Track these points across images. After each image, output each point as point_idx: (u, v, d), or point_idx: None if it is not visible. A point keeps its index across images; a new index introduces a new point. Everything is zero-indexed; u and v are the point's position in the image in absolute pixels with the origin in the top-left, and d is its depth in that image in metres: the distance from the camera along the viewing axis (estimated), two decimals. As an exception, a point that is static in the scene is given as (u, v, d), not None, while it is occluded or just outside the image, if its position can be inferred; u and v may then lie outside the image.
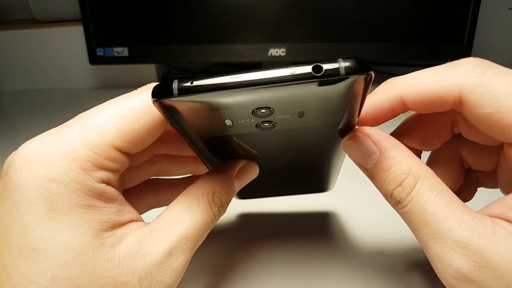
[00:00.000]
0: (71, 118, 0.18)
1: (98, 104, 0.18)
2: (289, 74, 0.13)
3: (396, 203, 0.17)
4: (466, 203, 0.22)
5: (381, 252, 0.25)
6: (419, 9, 0.51)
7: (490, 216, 0.16)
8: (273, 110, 0.15)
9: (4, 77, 0.69)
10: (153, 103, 0.15)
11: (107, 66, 0.65)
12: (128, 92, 0.18)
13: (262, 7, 0.52)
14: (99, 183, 0.16)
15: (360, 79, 0.14)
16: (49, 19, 0.67)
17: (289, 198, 0.29)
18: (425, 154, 0.22)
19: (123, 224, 0.17)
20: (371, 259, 0.25)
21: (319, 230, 0.28)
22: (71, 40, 0.65)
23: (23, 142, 0.17)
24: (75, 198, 0.15)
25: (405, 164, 0.17)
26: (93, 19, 0.55)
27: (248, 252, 0.26)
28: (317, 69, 0.13)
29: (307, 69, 0.13)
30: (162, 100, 0.14)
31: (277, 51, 0.53)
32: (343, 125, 0.17)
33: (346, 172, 0.27)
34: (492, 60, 0.17)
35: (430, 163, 0.22)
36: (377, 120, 0.19)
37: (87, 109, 0.18)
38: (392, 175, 0.17)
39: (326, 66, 0.13)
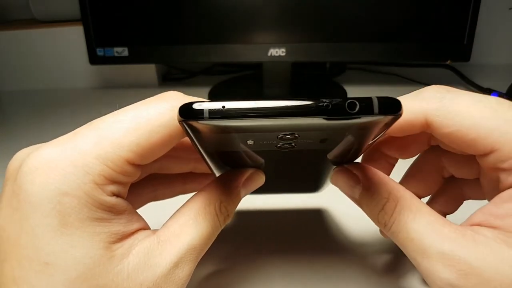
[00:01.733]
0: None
1: (116, 110, 0.17)
2: (324, 106, 0.13)
3: (383, 226, 0.18)
4: (451, 214, 0.23)
5: (379, 250, 0.25)
6: (419, 9, 0.51)
7: (474, 225, 0.17)
8: (298, 135, 0.15)
9: (4, 77, 0.69)
10: (179, 122, 0.14)
11: (107, 66, 0.65)
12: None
13: (262, 7, 0.52)
14: (110, 196, 0.16)
15: (389, 118, 0.14)
16: (49, 19, 0.67)
17: (285, 196, 0.29)
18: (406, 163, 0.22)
19: (131, 233, 0.17)
20: (369, 258, 0.25)
21: (316, 228, 0.28)
22: (71, 40, 0.65)
23: (23, 143, 0.16)
24: (87, 212, 0.15)
25: (385, 190, 0.18)
26: (93, 19, 0.55)
27: (244, 251, 0.26)
28: (351, 105, 0.13)
29: (342, 104, 0.13)
30: (190, 122, 0.14)
31: (277, 51, 0.53)
32: (353, 151, 0.18)
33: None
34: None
35: (410, 169, 0.24)
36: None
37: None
38: (375, 201, 0.18)
39: (360, 104, 0.13)
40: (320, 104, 0.13)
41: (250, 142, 0.16)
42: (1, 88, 0.70)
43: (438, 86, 0.18)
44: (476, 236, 0.16)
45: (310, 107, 0.13)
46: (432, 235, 0.16)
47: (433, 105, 0.18)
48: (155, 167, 0.23)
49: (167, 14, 0.53)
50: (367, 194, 0.19)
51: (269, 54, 0.53)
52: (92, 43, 0.56)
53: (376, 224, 0.19)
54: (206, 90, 0.62)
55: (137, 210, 0.22)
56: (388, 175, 0.23)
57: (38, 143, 0.17)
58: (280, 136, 0.15)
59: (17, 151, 0.17)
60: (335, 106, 0.13)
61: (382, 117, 0.14)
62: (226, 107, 0.13)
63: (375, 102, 0.13)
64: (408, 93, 0.19)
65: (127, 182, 0.17)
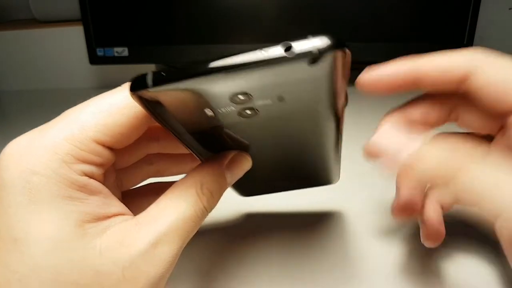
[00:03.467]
0: None
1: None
2: (261, 56, 0.13)
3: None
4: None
5: (381, 252, 0.25)
6: (419, 9, 0.51)
7: None
8: (251, 95, 0.15)
9: (4, 77, 0.69)
10: (132, 96, 0.15)
11: (107, 66, 0.65)
12: None
13: (261, 7, 0.52)
14: (81, 175, 0.16)
15: (335, 57, 0.13)
16: (49, 19, 0.67)
17: (290, 197, 0.29)
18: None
19: (108, 217, 0.17)
20: (372, 260, 0.25)
21: (319, 230, 0.28)
22: (71, 40, 0.65)
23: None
24: (56, 189, 0.16)
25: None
26: (93, 19, 0.55)
27: (246, 252, 0.26)
28: (288, 49, 0.13)
29: (279, 50, 0.13)
30: (139, 93, 0.14)
31: (277, 51, 0.53)
32: (328, 108, 0.17)
33: (347, 172, 0.28)
34: None
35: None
36: (387, 89, 0.21)
37: None
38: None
39: (296, 46, 0.13)
40: (256, 52, 0.13)
41: (209, 112, 0.16)
42: (1, 88, 0.70)
43: (485, 48, 0.19)
44: None
45: (248, 58, 0.13)
46: None
47: (478, 56, 0.19)
48: (152, 170, 0.23)
49: (167, 14, 0.53)
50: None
51: (269, 54, 0.53)
52: (92, 43, 0.56)
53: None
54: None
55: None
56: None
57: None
58: (231, 97, 0.15)
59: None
60: (270, 52, 0.13)
61: (325, 57, 0.13)
62: (167, 72, 0.14)
63: (313, 39, 0.13)
64: (408, 93, 0.19)
65: (100, 163, 0.17)
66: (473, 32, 0.51)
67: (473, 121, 0.21)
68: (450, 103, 0.22)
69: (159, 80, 0.14)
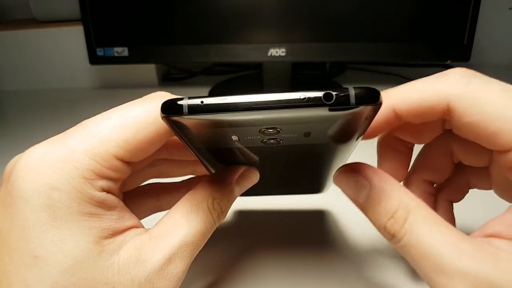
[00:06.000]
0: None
1: (103, 111, 0.18)
2: (300, 99, 0.13)
3: (391, 237, 0.17)
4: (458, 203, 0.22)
5: (378, 251, 0.25)
6: (419, 9, 0.51)
7: (489, 236, 0.16)
8: (280, 130, 0.15)
9: (4, 77, 0.69)
10: (162, 118, 0.15)
11: (107, 66, 0.65)
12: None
13: (262, 7, 0.52)
14: (100, 191, 0.16)
15: (369, 108, 0.14)
16: (49, 19, 0.67)
17: (285, 196, 0.29)
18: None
19: (124, 230, 0.17)
20: (367, 259, 0.25)
21: (315, 229, 0.28)
22: (71, 40, 0.65)
23: (23, 143, 0.17)
24: (76, 206, 0.15)
25: (396, 197, 0.17)
26: (93, 19, 0.55)
27: (243, 252, 0.26)
28: (327, 97, 0.13)
29: (318, 95, 0.13)
30: (171, 117, 0.14)
31: (277, 51, 0.53)
32: (349, 143, 0.18)
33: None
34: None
35: (420, 155, 0.23)
36: (373, 133, 0.20)
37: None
38: (383, 208, 0.17)
39: (336, 95, 0.13)
40: (296, 94, 0.13)
41: (234, 137, 0.16)
42: (1, 88, 0.70)
43: (464, 69, 0.17)
44: (496, 251, 0.15)
45: (288, 98, 0.13)
46: (451, 251, 0.15)
47: (457, 89, 0.16)
48: (154, 172, 0.23)
49: (167, 14, 0.53)
50: (375, 199, 0.17)
51: (269, 54, 0.53)
52: (92, 43, 0.56)
53: (381, 232, 0.17)
54: (206, 90, 0.62)
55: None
56: (409, 160, 0.22)
57: (38, 143, 0.17)
58: (262, 130, 0.15)
59: (17, 151, 0.17)
60: (310, 96, 0.13)
61: (360, 108, 0.14)
62: (204, 102, 0.14)
63: (352, 93, 0.13)
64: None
65: (117, 178, 0.17)
66: (473, 32, 0.51)
67: (466, 156, 0.20)
68: (446, 156, 0.21)
69: (196, 109, 0.14)
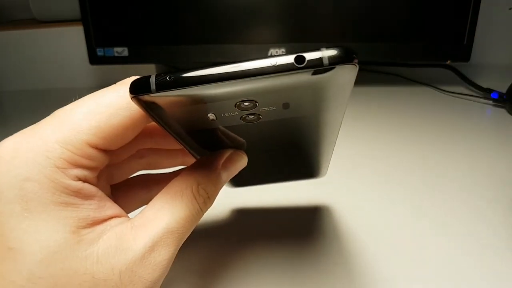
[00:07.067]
0: None
1: (74, 99, 0.17)
2: (271, 65, 0.13)
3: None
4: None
5: (373, 247, 0.25)
6: (419, 9, 0.51)
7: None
8: (257, 102, 0.15)
9: (4, 77, 0.69)
10: (132, 99, 0.14)
11: (107, 66, 0.65)
12: None
13: (262, 7, 0.52)
14: (75, 180, 0.16)
15: (346, 69, 0.13)
16: (49, 19, 0.67)
17: (281, 192, 0.29)
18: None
19: (104, 220, 0.17)
20: (364, 255, 0.25)
21: (313, 227, 0.28)
22: (71, 40, 0.65)
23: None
24: (50, 196, 0.15)
25: None
26: (93, 19, 0.55)
27: (240, 249, 0.26)
28: (299, 59, 0.12)
29: (289, 59, 0.12)
30: (141, 96, 0.14)
31: (277, 51, 0.53)
32: (330, 114, 0.17)
33: (339, 167, 0.27)
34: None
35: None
36: None
37: None
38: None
39: (308, 56, 0.12)
40: (267, 61, 0.13)
41: (211, 116, 0.16)
42: (1, 88, 0.70)
43: None
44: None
45: (258, 66, 0.13)
46: None
47: None
48: (142, 163, 0.23)
49: (167, 14, 0.53)
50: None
51: (269, 54, 0.53)
52: (92, 43, 0.56)
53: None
54: (206, 90, 0.62)
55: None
56: None
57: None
58: (237, 103, 0.15)
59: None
60: (281, 61, 0.12)
61: (335, 69, 0.13)
62: (172, 77, 0.13)
63: (326, 53, 0.12)
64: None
65: (93, 167, 0.17)
66: (473, 32, 0.51)
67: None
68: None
69: (163, 85, 0.13)
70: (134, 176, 0.23)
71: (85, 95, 0.18)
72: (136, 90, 0.14)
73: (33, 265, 0.14)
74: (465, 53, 0.52)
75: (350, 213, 0.29)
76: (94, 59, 0.57)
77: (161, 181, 0.23)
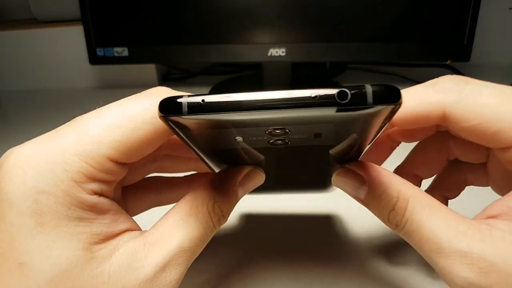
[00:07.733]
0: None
1: (98, 107, 0.17)
2: (311, 97, 0.12)
3: (394, 227, 0.17)
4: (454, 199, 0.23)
5: (383, 254, 0.25)
6: (419, 8, 0.51)
7: (489, 218, 0.16)
8: (289, 130, 0.14)
9: (4, 77, 0.69)
10: (160, 118, 0.14)
11: (107, 66, 0.65)
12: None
13: (262, 7, 0.52)
14: (91, 195, 0.15)
15: (388, 109, 0.13)
16: (49, 19, 0.67)
17: (288, 200, 0.28)
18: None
19: (117, 234, 0.16)
20: (374, 262, 0.25)
21: (321, 234, 0.28)
22: (71, 40, 0.65)
23: (23, 142, 0.16)
24: (65, 211, 0.15)
25: (393, 189, 0.17)
26: (93, 19, 0.55)
27: (247, 257, 0.26)
28: (342, 95, 0.12)
29: (331, 92, 0.12)
30: (170, 117, 0.13)
31: (277, 51, 0.53)
32: (361, 140, 0.17)
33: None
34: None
35: (415, 150, 0.23)
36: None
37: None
38: (384, 201, 0.17)
39: (352, 93, 0.12)
40: (307, 92, 0.12)
41: (239, 138, 0.15)
42: (1, 88, 0.70)
43: (455, 76, 0.18)
44: (492, 230, 0.15)
45: (297, 96, 0.12)
46: (448, 233, 0.16)
47: (452, 97, 0.17)
48: (154, 167, 0.22)
49: (167, 14, 0.53)
50: (374, 194, 0.18)
51: (269, 54, 0.53)
52: (92, 43, 0.56)
53: (386, 224, 0.18)
54: (206, 90, 0.62)
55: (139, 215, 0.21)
56: (386, 157, 0.23)
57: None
58: (269, 131, 0.14)
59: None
60: (322, 94, 0.12)
61: (377, 107, 0.12)
62: (205, 101, 0.12)
63: (369, 90, 0.12)
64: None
65: (110, 181, 0.16)
66: (473, 32, 0.51)
67: (463, 154, 0.21)
68: (441, 152, 0.21)
69: (196, 108, 0.13)
70: (144, 178, 0.23)
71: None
72: (167, 110, 0.13)
73: (42, 283, 0.14)
74: (465, 53, 0.51)
75: (359, 219, 0.29)
76: (94, 59, 0.57)
77: (172, 186, 0.23)
